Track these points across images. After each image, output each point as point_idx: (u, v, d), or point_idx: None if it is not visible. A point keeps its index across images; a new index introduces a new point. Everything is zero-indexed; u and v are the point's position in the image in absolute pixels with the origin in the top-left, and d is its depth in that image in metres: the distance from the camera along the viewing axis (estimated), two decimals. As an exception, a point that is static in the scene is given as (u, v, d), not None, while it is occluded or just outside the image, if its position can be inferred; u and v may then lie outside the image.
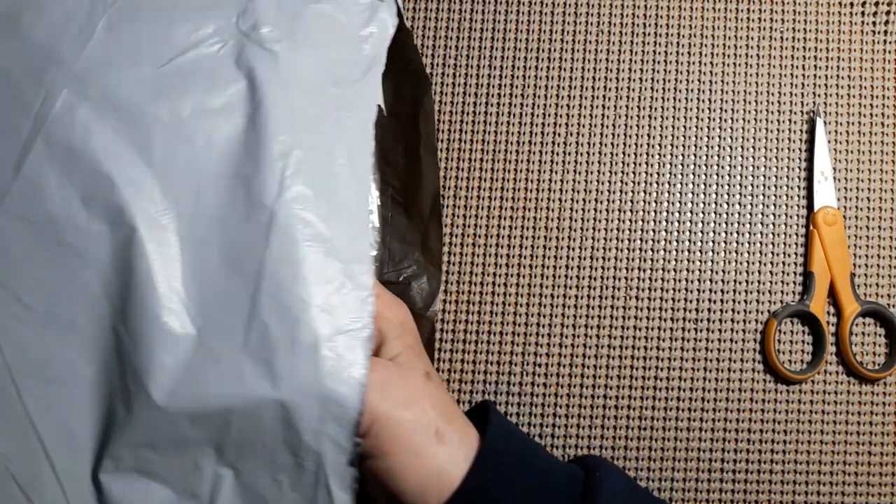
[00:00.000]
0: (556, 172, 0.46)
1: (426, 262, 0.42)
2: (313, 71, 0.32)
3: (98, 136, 0.29)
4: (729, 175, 0.46)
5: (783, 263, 0.45)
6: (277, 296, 0.29)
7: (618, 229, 0.45)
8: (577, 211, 0.45)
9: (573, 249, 0.45)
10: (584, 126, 0.46)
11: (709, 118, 0.46)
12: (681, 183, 0.45)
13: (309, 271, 0.29)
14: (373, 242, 0.37)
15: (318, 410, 0.28)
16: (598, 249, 0.45)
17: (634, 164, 0.46)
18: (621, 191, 0.45)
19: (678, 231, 0.45)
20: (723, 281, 0.45)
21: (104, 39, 0.31)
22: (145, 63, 0.31)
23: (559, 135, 0.46)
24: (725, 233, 0.45)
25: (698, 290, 0.44)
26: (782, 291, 0.44)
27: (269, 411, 0.28)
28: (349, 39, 0.34)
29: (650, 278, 0.44)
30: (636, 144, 0.46)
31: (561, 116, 0.46)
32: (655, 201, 0.45)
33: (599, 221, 0.45)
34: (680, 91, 0.46)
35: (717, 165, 0.46)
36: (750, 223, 0.45)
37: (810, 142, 0.46)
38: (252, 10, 0.33)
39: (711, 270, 0.45)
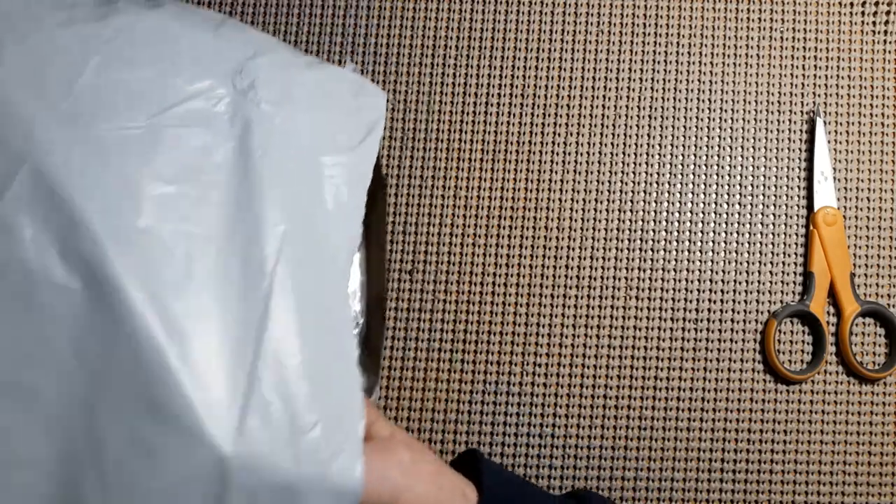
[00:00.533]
0: (556, 172, 0.46)
1: (366, 357, 0.42)
2: (309, 135, 0.32)
3: (83, 182, 0.26)
4: (729, 175, 0.46)
5: (783, 263, 0.45)
6: (278, 372, 0.27)
7: (618, 229, 0.45)
8: (577, 211, 0.45)
9: (573, 249, 0.45)
10: (584, 126, 0.46)
11: (709, 118, 0.46)
12: (681, 183, 0.45)
13: (298, 350, 0.28)
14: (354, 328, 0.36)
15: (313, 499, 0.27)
16: (598, 249, 0.45)
17: (634, 164, 0.46)
18: (621, 191, 0.45)
19: (678, 231, 0.45)
20: (723, 281, 0.45)
21: (94, 80, 0.29)
22: (138, 110, 0.29)
23: (559, 135, 0.46)
24: (725, 233, 0.45)
25: (698, 290, 0.44)
26: (782, 291, 0.44)
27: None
28: (344, 107, 0.34)
29: (650, 278, 0.44)
30: (636, 144, 0.46)
31: (561, 116, 0.46)
32: (655, 201, 0.45)
33: (599, 221, 0.45)
34: (680, 91, 0.46)
35: (717, 165, 0.46)
36: (750, 223, 0.45)
37: (810, 142, 0.46)
38: (249, 70, 0.31)
39: (711, 270, 0.45)
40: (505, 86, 0.46)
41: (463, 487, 0.32)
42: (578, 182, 0.45)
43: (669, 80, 0.47)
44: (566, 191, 0.45)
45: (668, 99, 0.46)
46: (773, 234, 0.45)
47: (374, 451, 0.31)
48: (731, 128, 0.46)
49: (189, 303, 0.26)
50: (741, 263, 0.45)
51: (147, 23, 0.31)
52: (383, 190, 0.43)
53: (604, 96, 0.46)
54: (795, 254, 0.45)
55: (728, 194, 0.45)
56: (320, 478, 0.27)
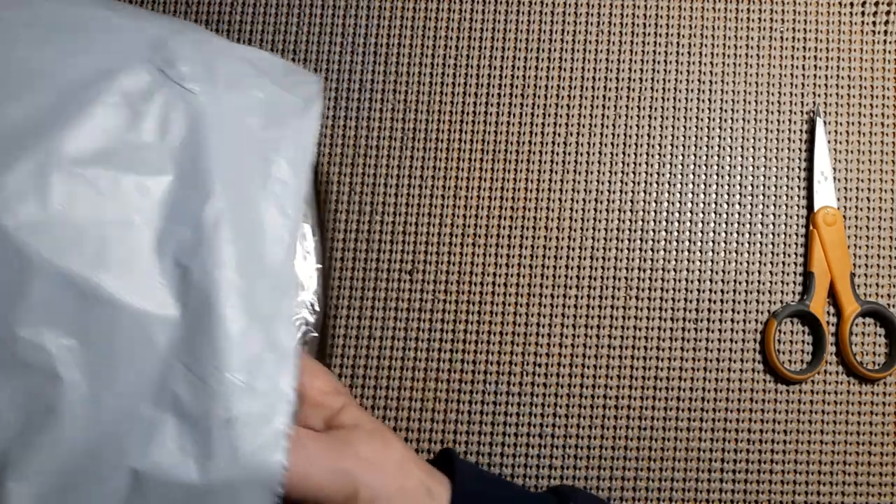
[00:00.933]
0: (556, 172, 0.46)
1: (319, 342, 0.40)
2: (238, 110, 0.30)
3: None
4: (729, 175, 0.46)
5: (783, 263, 0.45)
6: (190, 364, 0.26)
7: (618, 229, 0.45)
8: (577, 211, 0.45)
9: (573, 249, 0.45)
10: (584, 126, 0.46)
11: (709, 118, 0.46)
12: (681, 183, 0.45)
13: (225, 336, 0.26)
14: (299, 302, 0.35)
15: (232, 494, 0.25)
16: (598, 249, 0.45)
17: (634, 164, 0.46)
18: (621, 191, 0.45)
19: (678, 231, 0.45)
20: (723, 281, 0.45)
21: None
22: (46, 90, 0.27)
23: (559, 135, 0.46)
24: (725, 233, 0.45)
25: (698, 290, 0.44)
26: (782, 291, 0.44)
27: (180, 489, 0.25)
28: (276, 83, 0.32)
29: (650, 278, 0.44)
30: (636, 144, 0.46)
31: (561, 116, 0.46)
32: (655, 201, 0.45)
33: (599, 221, 0.45)
34: (680, 91, 0.46)
35: (717, 165, 0.46)
36: (750, 223, 0.45)
37: (810, 142, 0.46)
38: (169, 48, 0.30)
39: (711, 270, 0.45)
40: (505, 86, 0.46)
41: (429, 484, 0.31)
42: (578, 182, 0.45)
43: (669, 80, 0.47)
44: (566, 191, 0.45)
45: (668, 99, 0.46)
46: (773, 233, 0.45)
47: (331, 441, 0.29)
48: (731, 128, 0.46)
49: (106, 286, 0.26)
50: (741, 263, 0.45)
51: (52, 4, 0.29)
52: (318, 181, 0.41)
53: (604, 96, 0.46)
54: (795, 254, 0.45)
55: (728, 194, 0.45)
56: (236, 468, 0.26)
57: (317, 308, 0.35)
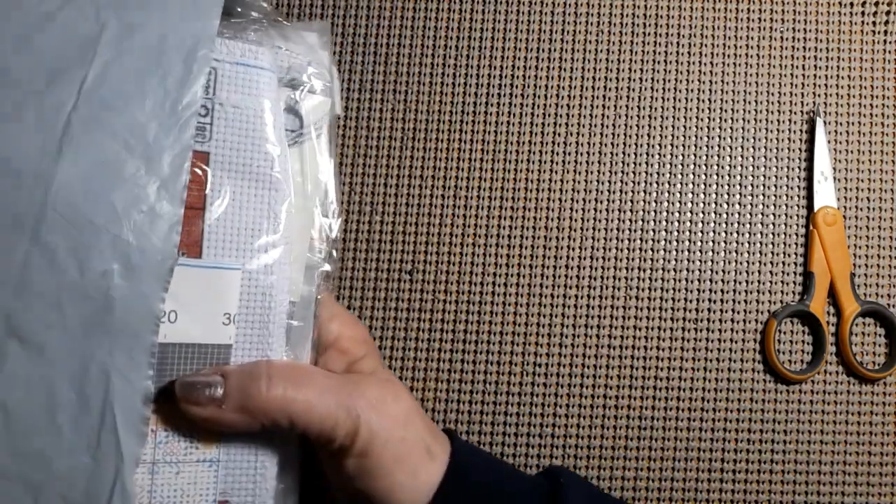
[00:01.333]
0: (556, 172, 0.46)
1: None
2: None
3: None
4: (729, 175, 0.46)
5: (783, 263, 0.45)
6: (67, 216, 0.26)
7: (618, 229, 0.45)
8: (577, 211, 0.45)
9: (573, 249, 0.45)
10: (584, 126, 0.46)
11: (709, 118, 0.46)
12: (681, 183, 0.45)
13: (105, 188, 0.27)
14: (321, 253, 0.35)
15: (107, 343, 0.26)
16: (598, 249, 0.45)
17: (634, 164, 0.46)
18: (621, 191, 0.45)
19: (678, 231, 0.45)
20: (723, 281, 0.45)
21: None
22: None
23: (559, 135, 0.46)
24: (725, 233, 0.45)
25: (698, 290, 0.44)
26: (782, 291, 0.44)
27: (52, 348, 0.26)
28: None
29: (650, 278, 0.44)
30: (636, 144, 0.46)
31: (561, 116, 0.46)
32: (655, 201, 0.45)
33: (599, 221, 0.45)
34: (680, 91, 0.46)
35: (717, 165, 0.46)
36: (750, 223, 0.45)
37: (810, 142, 0.46)
38: None
39: (711, 270, 0.45)
40: (505, 86, 0.46)
41: (430, 442, 0.31)
42: (578, 182, 0.45)
43: (669, 80, 0.47)
44: (566, 191, 0.45)
45: (668, 99, 0.46)
46: (773, 233, 0.45)
47: (342, 380, 0.31)
48: (731, 128, 0.46)
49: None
50: (741, 263, 0.45)
51: None
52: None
53: (604, 96, 0.46)
54: (795, 254, 0.45)
55: (728, 194, 0.45)
56: None
57: (335, 256, 0.35)
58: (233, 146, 0.31)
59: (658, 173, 0.46)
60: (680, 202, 0.45)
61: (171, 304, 0.30)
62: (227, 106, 0.32)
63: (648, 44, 0.47)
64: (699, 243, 0.45)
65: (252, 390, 0.29)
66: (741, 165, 0.46)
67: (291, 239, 0.32)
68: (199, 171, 0.31)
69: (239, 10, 0.33)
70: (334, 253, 0.34)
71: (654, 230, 0.45)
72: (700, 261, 0.45)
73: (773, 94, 0.46)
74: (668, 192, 0.45)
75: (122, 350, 0.27)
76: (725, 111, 0.46)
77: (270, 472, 0.31)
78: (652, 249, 0.45)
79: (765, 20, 0.47)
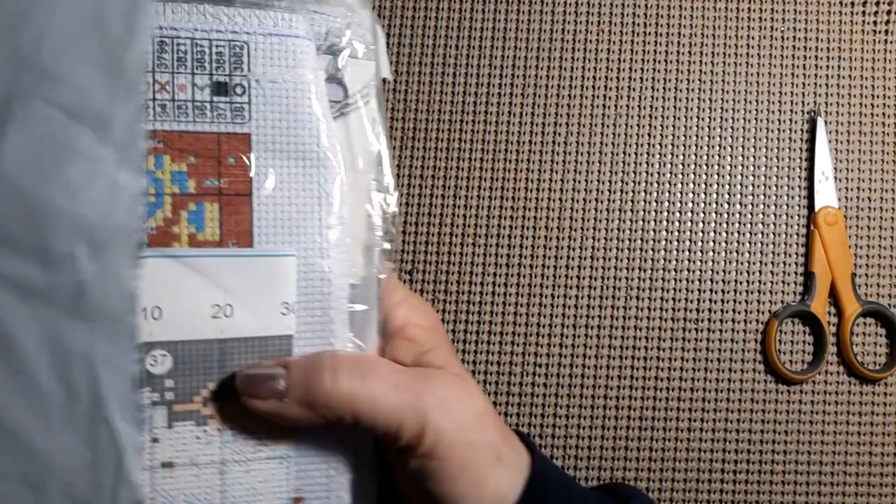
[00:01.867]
0: (556, 172, 0.45)
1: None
2: None
3: None
4: (729, 175, 0.46)
5: (784, 263, 0.45)
6: (20, 198, 0.25)
7: (618, 229, 0.45)
8: (577, 211, 0.45)
9: (573, 249, 0.45)
10: (584, 126, 0.46)
11: (709, 118, 0.46)
12: (681, 183, 0.45)
13: (56, 164, 0.26)
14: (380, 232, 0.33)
15: (86, 331, 0.25)
16: (598, 249, 0.45)
17: (634, 164, 0.46)
18: (621, 191, 0.45)
19: (678, 231, 0.45)
20: (723, 281, 0.44)
21: None
22: None
23: (559, 135, 0.46)
24: (726, 233, 0.45)
25: (699, 291, 0.44)
26: (783, 291, 0.44)
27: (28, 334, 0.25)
28: None
29: (650, 278, 0.44)
30: (636, 144, 0.46)
31: (561, 116, 0.46)
32: (656, 201, 0.45)
33: (599, 221, 0.45)
34: (680, 91, 0.46)
35: (718, 165, 0.46)
36: (751, 223, 0.45)
37: (811, 141, 0.46)
38: None
39: (712, 270, 0.45)
40: (505, 85, 0.46)
41: (502, 448, 0.29)
42: (578, 182, 0.45)
43: (669, 80, 0.46)
44: (566, 191, 0.45)
45: (668, 99, 0.46)
46: (773, 234, 0.45)
47: (410, 375, 0.29)
48: (731, 128, 0.46)
49: None
50: (742, 263, 0.45)
51: None
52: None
53: (604, 96, 0.46)
54: (796, 254, 0.45)
55: (728, 194, 0.45)
56: None
57: (394, 232, 0.33)
58: (274, 125, 0.30)
59: (658, 173, 0.46)
60: (680, 202, 0.45)
61: (227, 298, 0.28)
62: (264, 82, 0.29)
63: (648, 44, 0.47)
64: (699, 243, 0.45)
65: (315, 384, 0.27)
66: (742, 165, 0.46)
67: (346, 218, 0.30)
68: (243, 155, 0.29)
69: None
70: (393, 229, 0.32)
71: (654, 230, 0.45)
72: (700, 261, 0.45)
73: (773, 94, 0.46)
74: (669, 192, 0.45)
75: (103, 337, 0.26)
76: (726, 111, 0.46)
77: (344, 466, 0.30)
78: (652, 249, 0.45)
79: (765, 20, 0.47)
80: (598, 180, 0.45)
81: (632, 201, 0.45)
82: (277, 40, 0.30)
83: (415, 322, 0.31)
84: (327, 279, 0.30)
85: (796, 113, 0.46)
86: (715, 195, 0.45)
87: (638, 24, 0.47)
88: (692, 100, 0.46)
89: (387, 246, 0.32)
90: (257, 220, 0.29)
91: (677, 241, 0.45)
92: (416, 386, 0.28)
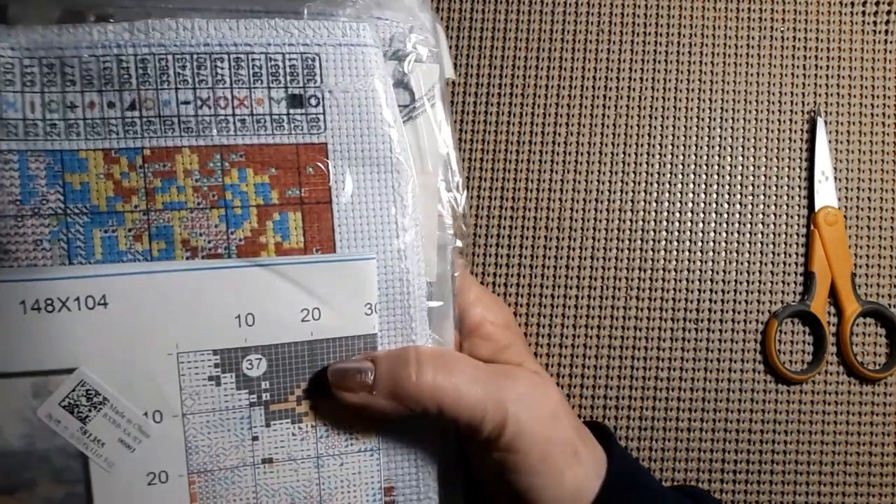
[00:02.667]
0: (556, 172, 0.45)
1: None
2: None
3: None
4: (729, 175, 0.46)
5: (784, 263, 0.45)
6: None
7: (618, 229, 0.45)
8: (577, 211, 0.45)
9: (573, 249, 0.45)
10: (584, 126, 0.46)
11: (709, 118, 0.46)
12: (681, 183, 0.45)
13: None
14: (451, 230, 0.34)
15: None
16: (598, 249, 0.45)
17: (635, 164, 0.46)
18: (621, 191, 0.45)
19: (678, 231, 0.45)
20: (723, 281, 0.44)
21: None
22: None
23: (559, 134, 0.46)
24: (726, 233, 0.45)
25: (699, 291, 0.44)
26: (783, 291, 0.44)
27: None
28: None
29: (650, 278, 0.44)
30: (636, 144, 0.46)
31: (561, 116, 0.46)
32: (656, 201, 0.45)
33: (599, 221, 0.45)
34: (680, 91, 0.46)
35: (718, 165, 0.46)
36: (751, 223, 0.45)
37: (811, 141, 0.46)
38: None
39: (712, 270, 0.45)
40: (505, 85, 0.46)
41: (578, 445, 0.30)
42: (579, 182, 0.45)
43: (669, 80, 0.46)
44: (566, 191, 0.45)
45: (668, 99, 0.46)
46: (773, 234, 0.45)
47: (490, 370, 0.30)
48: (731, 127, 0.46)
49: None
50: (742, 263, 0.45)
51: None
52: None
53: (604, 96, 0.46)
54: (796, 254, 0.45)
55: (728, 194, 0.45)
56: None
57: (465, 230, 0.35)
58: (349, 133, 0.31)
59: (658, 173, 0.46)
60: (680, 202, 0.45)
61: (314, 302, 0.30)
62: (337, 92, 0.31)
63: (648, 44, 0.47)
64: (699, 243, 0.45)
65: (402, 376, 0.29)
66: (742, 165, 0.46)
67: (420, 219, 0.32)
68: (321, 164, 0.30)
69: None
70: (464, 227, 0.33)
71: (654, 230, 0.45)
72: (700, 261, 0.45)
73: (773, 94, 0.46)
74: (669, 192, 0.45)
75: None
76: (726, 111, 0.46)
77: (431, 457, 0.32)
78: (652, 249, 0.45)
79: (765, 20, 0.47)
80: (598, 180, 0.45)
81: (632, 201, 0.45)
82: (347, 50, 0.31)
83: (490, 319, 0.32)
84: (406, 279, 0.31)
85: (796, 113, 0.46)
86: (715, 195, 0.45)
87: (638, 24, 0.47)
88: (692, 100, 0.46)
89: (458, 243, 0.33)
90: (338, 226, 0.30)
91: (677, 241, 0.45)
92: (496, 381, 0.30)
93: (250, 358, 0.30)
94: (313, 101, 0.31)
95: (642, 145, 0.46)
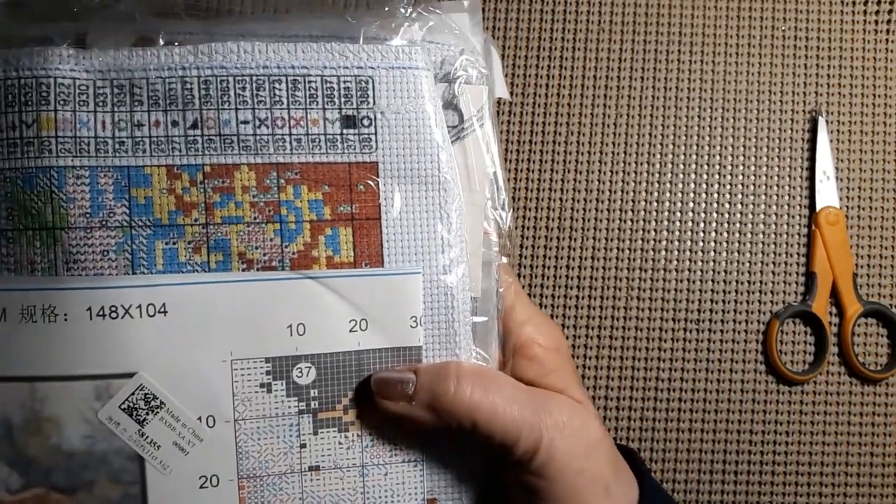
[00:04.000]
0: (556, 172, 0.45)
1: None
2: None
3: None
4: (731, 175, 0.45)
5: (785, 264, 0.45)
6: None
7: (619, 229, 0.45)
8: (577, 211, 0.45)
9: (573, 249, 0.45)
10: (584, 126, 0.46)
11: (710, 117, 0.46)
12: (682, 183, 0.45)
13: None
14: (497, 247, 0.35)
15: None
16: (598, 249, 0.45)
17: (635, 163, 0.45)
18: (622, 190, 0.45)
19: (679, 231, 0.45)
20: (725, 281, 0.44)
21: None
22: None
23: (560, 134, 0.46)
24: (727, 233, 0.45)
25: (700, 291, 0.44)
26: (784, 292, 0.44)
27: None
28: None
29: (651, 279, 0.44)
30: (637, 144, 0.46)
31: (562, 116, 0.46)
32: (657, 201, 0.45)
33: (600, 221, 0.45)
34: (680, 90, 0.46)
35: (719, 165, 0.45)
36: (752, 223, 0.45)
37: (812, 141, 0.46)
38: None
39: (713, 271, 0.44)
40: (506, 85, 0.46)
41: (610, 481, 0.30)
42: (579, 182, 0.45)
43: (670, 80, 0.46)
44: (566, 191, 0.45)
45: (669, 98, 0.46)
46: (774, 234, 0.45)
47: (530, 394, 0.30)
48: (732, 127, 0.46)
49: None
50: (743, 264, 0.45)
51: None
52: None
53: (605, 95, 0.46)
54: (798, 254, 0.45)
55: (730, 194, 0.45)
56: None
57: (510, 248, 0.36)
58: (399, 153, 0.32)
59: (659, 173, 0.45)
60: (681, 202, 0.45)
61: (362, 314, 0.31)
62: (389, 113, 0.32)
63: (649, 43, 0.47)
64: (700, 243, 0.45)
65: (440, 389, 0.29)
66: (743, 165, 0.45)
67: (465, 236, 0.33)
68: (371, 182, 0.32)
69: (386, 8, 0.33)
70: (509, 244, 0.34)
71: (655, 230, 0.45)
72: (702, 261, 0.45)
73: (774, 94, 0.46)
74: (670, 191, 0.45)
75: None
76: (727, 110, 0.46)
77: (474, 471, 0.32)
78: (653, 249, 0.45)
79: (766, 19, 0.47)
80: (599, 180, 0.45)
81: (632, 201, 0.45)
82: (399, 73, 0.32)
83: (539, 341, 0.32)
84: (451, 294, 0.32)
85: (797, 112, 0.46)
86: (716, 195, 0.45)
87: (639, 24, 0.47)
88: (692, 99, 0.46)
89: (504, 260, 0.34)
90: (386, 242, 0.32)
91: (678, 241, 0.45)
92: (535, 404, 0.30)
93: (300, 366, 0.31)
94: (366, 122, 0.32)
95: (642, 145, 0.46)
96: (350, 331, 0.31)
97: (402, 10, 0.33)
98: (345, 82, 0.32)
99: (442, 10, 0.34)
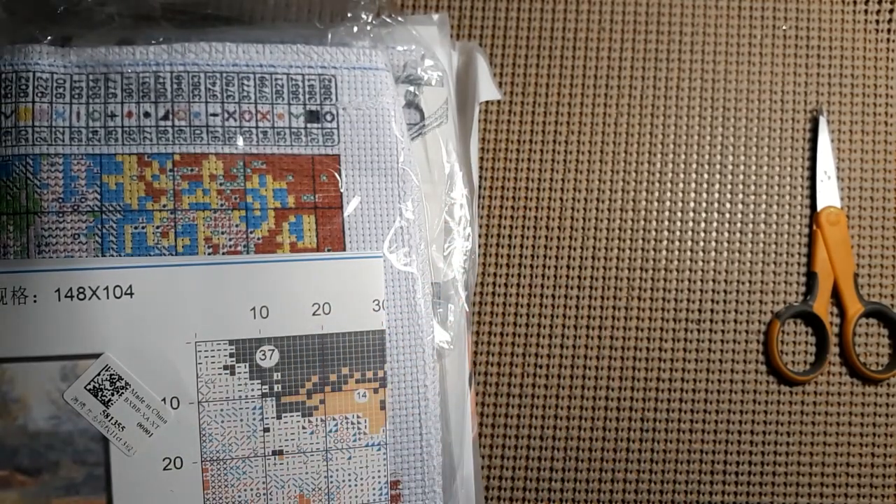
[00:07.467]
0: (556, 172, 0.45)
1: None
2: None
3: None
4: (731, 174, 0.45)
5: (786, 264, 0.44)
6: None
7: (619, 229, 0.45)
8: (577, 211, 0.45)
9: (574, 249, 0.45)
10: (584, 126, 0.46)
11: (711, 117, 0.46)
12: (683, 182, 0.45)
13: None
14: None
15: None
16: (599, 249, 0.45)
17: (636, 163, 0.45)
18: (623, 190, 0.45)
19: (680, 231, 0.45)
20: (725, 281, 0.44)
21: None
22: None
23: (560, 134, 0.46)
24: (728, 232, 0.45)
25: (701, 291, 0.44)
26: (785, 292, 0.44)
27: None
28: None
29: (652, 279, 0.44)
30: (638, 143, 0.46)
31: (562, 116, 0.46)
32: (657, 200, 0.45)
33: (600, 221, 0.45)
34: (682, 89, 0.46)
35: (720, 164, 0.45)
36: (753, 223, 0.45)
37: (813, 141, 0.45)
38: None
39: (714, 271, 0.44)
40: (505, 84, 0.46)
41: None
42: (579, 182, 0.45)
43: (672, 79, 0.46)
44: (566, 191, 0.45)
45: (669, 97, 0.46)
46: (775, 233, 0.45)
47: None
48: (733, 126, 0.46)
49: None
50: (744, 263, 0.44)
51: None
52: None
53: (605, 94, 0.46)
54: (798, 254, 0.45)
55: (731, 193, 0.45)
56: None
57: (472, 236, 0.38)
58: (360, 145, 0.34)
59: (660, 172, 0.45)
60: (682, 201, 0.45)
61: (324, 297, 0.32)
62: (350, 109, 0.34)
63: (650, 42, 0.47)
64: (701, 243, 0.45)
65: None
66: (744, 164, 0.45)
67: (425, 224, 0.35)
68: (334, 173, 0.34)
69: (350, 14, 0.36)
70: (471, 233, 0.36)
71: (655, 230, 0.45)
72: (702, 261, 0.44)
73: (775, 93, 0.46)
74: (670, 191, 0.45)
75: None
76: (728, 109, 0.46)
77: (436, 450, 0.34)
78: (653, 249, 0.45)
79: (767, 18, 0.47)
80: (599, 180, 0.45)
81: (632, 201, 0.45)
82: (360, 73, 0.35)
83: None
84: (411, 278, 0.34)
85: (798, 112, 0.46)
86: (716, 194, 0.45)
87: (639, 23, 0.47)
88: (693, 99, 0.46)
89: (467, 245, 0.36)
90: (348, 229, 0.33)
91: (678, 240, 0.45)
92: None
93: (263, 349, 0.32)
94: (328, 117, 0.34)
95: (643, 145, 0.46)
96: (313, 314, 0.32)
97: (365, 17, 0.36)
98: (309, 80, 0.34)
99: (408, 21, 0.37)
